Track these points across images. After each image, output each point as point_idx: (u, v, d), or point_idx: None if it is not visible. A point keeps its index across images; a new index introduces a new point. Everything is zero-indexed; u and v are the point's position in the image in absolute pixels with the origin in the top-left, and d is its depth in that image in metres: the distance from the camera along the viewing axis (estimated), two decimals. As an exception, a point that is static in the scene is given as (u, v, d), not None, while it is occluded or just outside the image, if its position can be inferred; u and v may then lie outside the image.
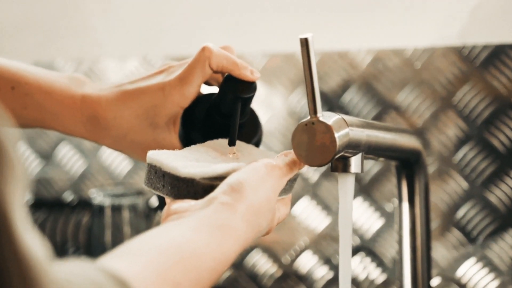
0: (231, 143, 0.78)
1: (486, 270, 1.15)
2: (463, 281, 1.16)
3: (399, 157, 0.94)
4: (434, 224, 1.17)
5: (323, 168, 1.22)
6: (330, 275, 1.24)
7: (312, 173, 1.24)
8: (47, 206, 1.43)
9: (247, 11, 1.29)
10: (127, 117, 0.81)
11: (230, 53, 0.81)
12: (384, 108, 1.20)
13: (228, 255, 0.63)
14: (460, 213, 1.16)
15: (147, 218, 1.31)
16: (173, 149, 0.81)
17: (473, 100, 1.15)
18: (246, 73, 0.79)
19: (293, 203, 1.25)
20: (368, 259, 1.22)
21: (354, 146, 0.73)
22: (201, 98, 0.83)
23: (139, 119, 0.81)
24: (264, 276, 1.28)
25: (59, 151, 1.43)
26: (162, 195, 0.73)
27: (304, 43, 0.68)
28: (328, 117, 0.71)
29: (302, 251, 1.25)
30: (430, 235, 0.98)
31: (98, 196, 1.30)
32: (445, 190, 1.16)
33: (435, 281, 1.17)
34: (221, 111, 0.80)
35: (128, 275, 0.52)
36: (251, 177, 0.67)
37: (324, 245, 1.24)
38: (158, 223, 1.29)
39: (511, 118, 1.13)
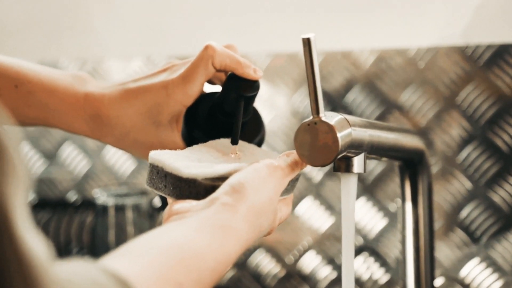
0: (234, 142, 0.78)
1: (489, 270, 1.15)
2: (467, 281, 1.16)
3: (402, 157, 0.94)
4: (438, 224, 1.17)
5: (327, 168, 1.22)
6: (334, 275, 1.24)
7: (315, 173, 1.24)
8: (51, 206, 1.43)
9: (251, 11, 1.29)
10: (130, 115, 0.81)
11: (233, 51, 0.81)
12: (388, 108, 1.20)
13: (230, 255, 0.63)
14: (464, 213, 1.16)
15: (151, 218, 1.31)
16: (176, 147, 0.81)
17: (477, 100, 1.15)
18: (249, 72, 0.79)
19: (296, 203, 1.25)
20: (371, 259, 1.21)
21: (356, 146, 0.73)
22: (204, 97, 0.83)
23: (142, 118, 0.81)
24: (267, 276, 1.28)
25: (63, 151, 1.43)
26: (164, 195, 0.73)
27: (307, 43, 0.68)
28: (331, 117, 0.70)
29: (305, 251, 1.25)
30: (434, 235, 0.98)
31: (101, 196, 1.30)
32: (449, 190, 1.16)
33: (439, 281, 1.17)
34: (224, 110, 0.80)
35: (129, 275, 0.52)
36: (253, 178, 0.67)
37: (328, 245, 1.24)
38: (161, 223, 1.29)
39: (515, 118, 1.13)
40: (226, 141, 0.79)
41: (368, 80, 1.21)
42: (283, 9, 1.27)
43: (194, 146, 0.78)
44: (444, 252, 1.17)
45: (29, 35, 1.45)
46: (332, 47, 1.23)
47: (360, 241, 1.22)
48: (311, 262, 1.25)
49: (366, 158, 0.77)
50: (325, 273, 1.24)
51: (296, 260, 1.26)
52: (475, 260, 1.15)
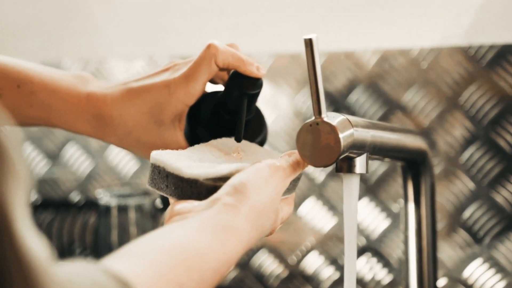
0: (238, 140, 0.78)
1: (492, 270, 1.15)
2: (470, 281, 1.16)
3: (404, 157, 0.94)
4: (441, 224, 1.17)
5: (329, 169, 1.22)
6: (336, 275, 1.24)
7: (318, 173, 1.24)
8: (54, 206, 1.43)
9: (253, 11, 1.29)
10: (132, 115, 0.81)
11: (236, 50, 0.81)
12: (390, 108, 1.19)
13: (231, 256, 0.63)
14: (467, 213, 1.16)
15: (153, 218, 1.31)
16: (179, 147, 0.81)
17: (480, 100, 1.14)
18: (252, 69, 0.79)
19: (299, 203, 1.25)
20: (374, 260, 1.21)
21: (359, 147, 0.73)
22: (207, 96, 0.83)
23: (144, 117, 0.81)
24: (270, 276, 1.28)
25: (66, 152, 1.43)
26: (165, 195, 0.73)
27: (309, 43, 0.68)
28: (333, 118, 0.70)
29: (308, 252, 1.25)
30: (436, 236, 0.98)
31: (104, 197, 1.31)
32: (452, 191, 1.16)
33: (442, 281, 1.17)
34: (227, 108, 0.80)
35: (131, 276, 0.52)
36: (255, 178, 0.67)
37: (330, 245, 1.24)
38: (163, 224, 1.29)
39: (518, 118, 1.13)
40: (228, 141, 0.79)
41: (371, 80, 1.21)
42: (285, 9, 1.27)
43: (196, 146, 0.78)
44: (447, 252, 1.16)
45: (32, 36, 1.45)
46: (334, 47, 1.23)
47: (363, 241, 1.22)
48: (314, 263, 1.25)
49: (368, 158, 0.77)
50: (328, 273, 1.24)
51: (299, 261, 1.26)
52: (478, 261, 1.15)
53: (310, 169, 1.23)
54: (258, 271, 1.29)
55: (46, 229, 1.43)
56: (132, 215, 1.30)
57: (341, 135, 0.69)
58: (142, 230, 1.29)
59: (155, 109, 0.81)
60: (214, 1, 1.32)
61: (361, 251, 1.22)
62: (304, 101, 1.25)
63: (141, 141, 0.82)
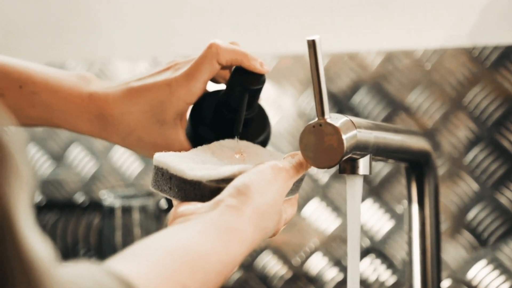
0: (236, 132, 0.78)
1: (497, 272, 1.14)
2: (474, 283, 1.16)
3: (408, 158, 0.94)
4: (445, 225, 1.16)
5: (333, 170, 1.22)
6: (340, 277, 1.24)
7: (322, 174, 1.24)
8: (59, 207, 1.43)
9: (257, 12, 1.29)
10: (134, 114, 0.81)
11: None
12: (394, 110, 1.19)
13: (235, 257, 0.63)
14: (471, 215, 1.15)
15: (157, 219, 1.32)
16: (181, 145, 0.81)
17: (484, 101, 1.14)
18: (256, 65, 0.79)
19: (303, 204, 1.25)
20: (378, 261, 1.21)
21: (362, 148, 0.73)
22: (209, 95, 0.83)
23: (146, 116, 0.81)
24: (274, 277, 1.28)
25: (70, 153, 1.43)
26: (169, 197, 0.73)
27: (312, 44, 0.68)
28: (336, 119, 0.70)
29: (312, 253, 1.25)
30: (440, 237, 0.98)
31: (108, 198, 1.31)
32: (456, 192, 1.16)
33: (446, 283, 1.17)
34: (230, 106, 0.80)
35: (134, 277, 0.52)
36: (257, 180, 0.67)
37: (334, 246, 1.24)
38: (167, 225, 1.29)
39: (522, 119, 1.12)
40: (231, 142, 0.79)
41: (375, 81, 1.21)
42: (289, 10, 1.27)
43: (199, 148, 0.78)
44: (451, 254, 1.16)
45: (36, 37, 1.46)
46: (338, 48, 1.23)
47: (367, 242, 1.22)
48: (317, 264, 1.25)
49: (371, 160, 0.77)
50: (332, 274, 1.24)
51: (303, 262, 1.26)
52: (482, 262, 1.15)
53: (314, 170, 1.23)
54: (262, 272, 1.29)
55: (50, 230, 1.43)
56: (136, 216, 1.30)
57: (344, 136, 0.69)
58: (146, 231, 1.29)
59: (157, 108, 0.81)
60: (218, 2, 1.32)
61: (365, 252, 1.22)
62: (308, 102, 1.25)
63: (143, 140, 0.82)
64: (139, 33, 1.39)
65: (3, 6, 1.47)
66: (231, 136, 0.80)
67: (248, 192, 0.65)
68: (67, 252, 1.42)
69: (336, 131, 0.69)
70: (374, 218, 1.21)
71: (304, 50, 0.69)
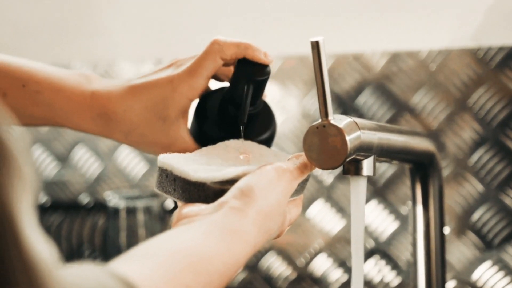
0: (241, 122, 0.78)
1: (502, 273, 1.14)
2: (479, 284, 1.15)
3: (412, 159, 0.93)
4: (450, 227, 1.16)
5: (338, 171, 1.22)
6: (345, 277, 1.23)
7: (326, 175, 1.24)
8: (64, 209, 1.43)
9: (262, 13, 1.29)
10: (136, 110, 0.81)
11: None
12: (399, 111, 1.19)
13: (238, 259, 0.63)
14: (476, 216, 1.15)
15: (162, 220, 1.32)
16: (184, 142, 0.81)
17: (489, 102, 1.14)
18: (260, 55, 0.79)
19: (307, 205, 1.25)
20: (383, 262, 1.21)
21: (366, 149, 0.73)
22: (213, 92, 0.83)
23: (148, 112, 0.81)
24: (278, 278, 1.28)
25: (75, 154, 1.43)
26: (173, 199, 0.73)
27: (315, 46, 0.68)
28: (340, 120, 0.70)
29: (316, 254, 1.25)
30: (444, 238, 0.98)
31: (113, 199, 1.31)
32: (461, 193, 1.16)
33: (450, 284, 1.17)
34: (235, 101, 0.79)
35: (137, 279, 0.52)
36: (261, 181, 0.67)
37: (339, 247, 1.24)
38: (171, 226, 1.29)
39: (527, 120, 1.12)
40: (236, 143, 0.79)
41: (379, 82, 1.20)
42: (294, 11, 1.27)
43: (203, 149, 0.78)
44: (456, 255, 1.16)
45: (42, 38, 1.46)
46: (343, 49, 1.23)
47: (372, 244, 1.21)
48: (322, 265, 1.25)
49: (375, 161, 0.77)
50: (336, 275, 1.24)
51: (307, 263, 1.26)
52: (487, 263, 1.15)
53: (318, 171, 1.23)
54: (267, 273, 1.29)
55: (55, 231, 1.43)
56: (140, 217, 1.30)
57: (347, 138, 0.69)
58: (151, 232, 1.29)
59: (159, 105, 0.81)
60: (222, 3, 1.32)
61: (369, 254, 1.21)
62: (312, 103, 1.25)
63: (146, 137, 0.82)
64: (144, 35, 1.39)
65: (8, 7, 1.47)
66: (236, 132, 0.80)
67: (251, 194, 0.65)
68: (72, 253, 1.42)
69: (339, 132, 0.69)
70: (378, 219, 1.21)
71: (309, 51, 0.69)
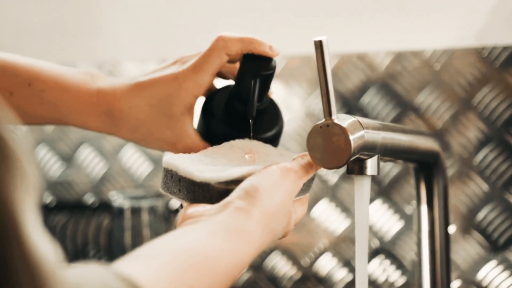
0: (249, 116, 0.78)
1: (507, 273, 1.14)
2: (484, 284, 1.15)
3: (416, 159, 0.93)
4: (455, 226, 1.16)
5: (342, 170, 1.22)
6: (350, 277, 1.23)
7: (331, 175, 1.24)
8: (68, 209, 1.44)
9: (266, 13, 1.29)
10: (142, 107, 0.81)
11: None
12: (403, 110, 1.19)
13: (243, 259, 0.63)
14: (481, 215, 1.15)
15: (166, 220, 1.32)
16: (189, 139, 0.81)
17: (493, 102, 1.14)
18: (265, 49, 0.79)
19: (312, 205, 1.25)
20: (387, 262, 1.21)
21: (369, 148, 0.73)
22: (219, 90, 0.83)
23: (154, 109, 0.81)
24: (283, 278, 1.28)
25: (80, 154, 1.44)
26: (178, 199, 0.73)
27: (318, 45, 0.68)
28: (343, 119, 0.70)
29: (321, 253, 1.25)
30: (449, 238, 0.98)
31: (118, 199, 1.31)
32: (465, 192, 1.16)
33: (455, 283, 1.16)
34: (241, 97, 0.79)
35: (141, 279, 0.52)
36: (266, 182, 0.67)
37: (344, 247, 1.24)
38: (176, 226, 1.29)
39: (532, 120, 1.12)
40: (241, 142, 0.79)
41: (384, 82, 1.20)
42: (297, 11, 1.27)
43: (209, 149, 0.78)
44: (461, 254, 1.16)
45: (47, 38, 1.46)
46: (347, 48, 1.23)
47: (376, 243, 1.21)
48: (327, 265, 1.25)
49: (379, 160, 0.77)
50: (341, 275, 1.24)
51: (312, 263, 1.26)
52: (492, 263, 1.15)
53: (323, 171, 1.23)
54: (271, 273, 1.29)
55: (60, 231, 1.43)
56: (145, 217, 1.30)
57: (351, 137, 0.69)
58: (155, 232, 1.29)
59: (165, 101, 0.81)
60: (226, 2, 1.32)
61: (374, 253, 1.21)
62: (317, 102, 1.25)
63: (152, 134, 0.82)
64: (148, 34, 1.39)
65: (14, 8, 1.48)
66: (244, 128, 0.80)
67: (256, 194, 0.65)
68: (77, 253, 1.42)
69: (343, 132, 0.69)
70: (383, 219, 1.21)
71: (312, 50, 0.69)
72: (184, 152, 0.76)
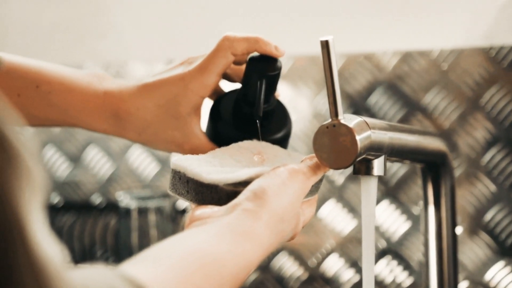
0: (257, 116, 0.78)
1: (515, 273, 1.14)
2: (492, 285, 1.15)
3: (424, 159, 0.93)
4: (462, 227, 1.16)
5: (349, 171, 1.22)
6: (356, 278, 1.23)
7: (337, 175, 1.24)
8: (76, 209, 1.44)
9: (272, 13, 1.29)
10: (149, 108, 0.81)
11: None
12: (411, 110, 1.19)
13: (250, 261, 0.62)
14: (488, 216, 1.15)
15: (173, 221, 1.32)
16: (197, 140, 0.81)
17: (501, 102, 1.13)
18: (271, 49, 0.79)
19: (319, 205, 1.24)
20: (394, 262, 1.21)
21: (376, 149, 0.73)
22: (227, 93, 0.83)
23: (161, 110, 0.81)
24: (290, 278, 1.28)
25: (87, 154, 1.44)
26: (186, 201, 0.73)
27: (325, 45, 0.68)
28: (350, 120, 0.70)
29: (328, 254, 1.25)
30: (456, 238, 0.97)
31: (125, 199, 1.31)
32: (473, 193, 1.15)
33: (463, 285, 1.16)
34: (248, 99, 0.80)
35: (148, 281, 0.52)
36: (274, 183, 0.67)
37: (351, 248, 1.23)
38: (184, 226, 1.29)
39: (540, 120, 1.11)
40: (250, 144, 0.79)
41: (391, 82, 1.20)
42: (304, 11, 1.27)
43: (217, 150, 0.78)
44: (468, 255, 1.16)
45: (54, 39, 1.46)
46: (354, 49, 1.22)
47: (383, 244, 1.21)
48: (334, 265, 1.25)
49: (386, 160, 0.76)
50: (348, 276, 1.24)
51: (319, 263, 1.26)
52: (500, 264, 1.14)
53: (329, 171, 1.23)
54: (278, 273, 1.28)
55: (67, 231, 1.43)
56: (152, 217, 1.30)
57: (358, 137, 0.69)
58: (162, 232, 1.29)
59: (171, 102, 0.81)
60: (233, 3, 1.32)
61: (381, 254, 1.21)
62: (323, 103, 1.25)
63: (159, 135, 0.82)
64: (156, 35, 1.39)
65: (21, 9, 1.48)
66: (252, 130, 0.80)
67: (264, 195, 0.65)
68: (84, 253, 1.42)
69: (349, 132, 0.69)
70: (390, 219, 1.21)
71: (319, 50, 0.69)
72: (191, 153, 0.76)
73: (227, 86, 0.86)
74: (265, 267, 1.29)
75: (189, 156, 0.74)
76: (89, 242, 1.42)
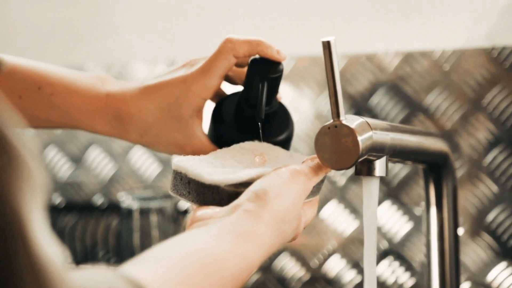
0: (259, 119, 0.78)
1: (517, 274, 1.13)
2: (494, 286, 1.15)
3: (425, 160, 0.93)
4: (464, 228, 1.15)
5: (351, 172, 1.22)
6: (358, 279, 1.23)
7: (339, 176, 1.23)
8: (78, 209, 1.44)
9: (274, 14, 1.29)
10: (151, 110, 0.81)
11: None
12: (412, 111, 1.19)
13: (252, 262, 0.62)
14: (490, 216, 1.14)
15: (175, 221, 1.32)
16: (198, 142, 0.81)
17: (503, 102, 1.13)
18: (273, 52, 0.79)
19: (321, 206, 1.24)
20: (396, 263, 1.21)
21: (378, 150, 0.73)
22: (229, 96, 0.83)
23: (163, 112, 0.81)
24: (292, 279, 1.28)
25: (89, 155, 1.44)
26: (188, 201, 0.73)
27: (326, 46, 0.68)
28: (351, 120, 0.70)
29: (330, 255, 1.25)
30: (458, 239, 0.97)
31: (126, 200, 1.31)
32: (475, 194, 1.15)
33: (465, 285, 1.16)
34: (250, 101, 0.80)
35: (149, 282, 0.52)
36: (276, 184, 0.66)
37: (352, 248, 1.23)
38: (185, 227, 1.29)
39: (542, 120, 1.11)
40: (251, 145, 0.79)
41: (393, 82, 1.20)
42: (306, 12, 1.27)
43: (218, 151, 0.78)
44: (470, 256, 1.15)
45: (56, 40, 1.46)
46: (356, 49, 1.22)
47: (385, 245, 1.21)
48: (335, 266, 1.25)
49: (388, 161, 0.76)
50: (350, 277, 1.24)
51: (321, 264, 1.26)
52: (502, 265, 1.14)
53: (331, 172, 1.23)
54: (280, 274, 1.28)
55: (69, 232, 1.44)
56: (154, 218, 1.30)
57: (359, 138, 0.69)
58: (164, 233, 1.29)
59: (173, 104, 0.81)
60: (235, 4, 1.32)
61: (383, 255, 1.21)
62: (325, 103, 1.25)
63: (161, 137, 0.82)
64: (158, 36, 1.39)
65: (22, 9, 1.48)
66: (254, 133, 0.80)
67: (266, 196, 0.65)
68: (86, 254, 1.42)
69: (351, 133, 0.69)
70: (392, 220, 1.20)
71: (321, 51, 0.69)
72: (193, 155, 0.76)
73: (229, 89, 0.86)
74: (266, 268, 1.29)
75: (190, 157, 0.75)
76: (91, 242, 1.42)
